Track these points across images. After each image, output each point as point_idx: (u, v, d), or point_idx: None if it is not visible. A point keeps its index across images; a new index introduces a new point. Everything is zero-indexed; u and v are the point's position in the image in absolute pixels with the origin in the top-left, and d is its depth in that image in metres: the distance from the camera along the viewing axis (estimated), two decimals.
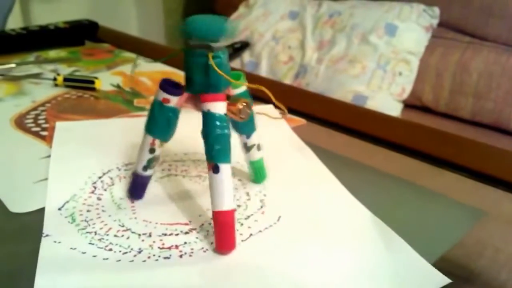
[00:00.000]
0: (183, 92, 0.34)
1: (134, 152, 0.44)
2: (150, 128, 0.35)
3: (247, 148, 0.39)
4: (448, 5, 1.40)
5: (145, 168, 0.37)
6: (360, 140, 0.51)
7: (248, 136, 0.39)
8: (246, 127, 0.38)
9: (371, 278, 0.30)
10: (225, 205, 0.32)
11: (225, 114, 0.33)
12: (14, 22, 1.33)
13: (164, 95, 0.34)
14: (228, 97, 0.34)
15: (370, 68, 1.35)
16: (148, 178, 0.38)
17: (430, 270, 0.31)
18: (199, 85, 0.33)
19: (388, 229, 0.35)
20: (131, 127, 0.51)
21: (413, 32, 1.37)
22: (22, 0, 1.46)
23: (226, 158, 0.32)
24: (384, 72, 1.35)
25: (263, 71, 1.50)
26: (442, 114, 1.36)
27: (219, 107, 0.32)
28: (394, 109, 1.36)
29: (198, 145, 0.33)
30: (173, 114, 0.35)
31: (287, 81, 1.47)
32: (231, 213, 0.32)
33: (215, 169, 0.32)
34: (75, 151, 0.45)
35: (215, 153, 0.32)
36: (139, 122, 0.52)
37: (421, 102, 1.38)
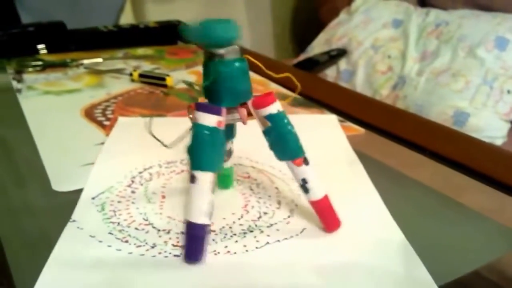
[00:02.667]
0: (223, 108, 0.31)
1: (178, 149, 0.45)
2: (207, 161, 0.31)
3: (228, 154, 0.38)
4: None
5: (207, 215, 0.31)
6: (422, 156, 0.47)
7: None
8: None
9: None
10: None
11: None
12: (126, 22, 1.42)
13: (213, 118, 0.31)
14: None
15: (474, 83, 1.25)
16: (209, 229, 0.32)
17: None
18: (243, 93, 0.32)
19: (415, 256, 0.32)
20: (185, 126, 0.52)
21: None
22: (135, 1, 1.55)
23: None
24: (490, 89, 1.24)
25: (359, 80, 1.46)
26: None
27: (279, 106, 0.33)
28: (499, 129, 1.24)
29: None
30: (222, 134, 0.32)
31: (384, 92, 1.41)
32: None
33: (306, 161, 0.33)
34: (125, 146, 0.47)
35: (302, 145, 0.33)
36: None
37: None
